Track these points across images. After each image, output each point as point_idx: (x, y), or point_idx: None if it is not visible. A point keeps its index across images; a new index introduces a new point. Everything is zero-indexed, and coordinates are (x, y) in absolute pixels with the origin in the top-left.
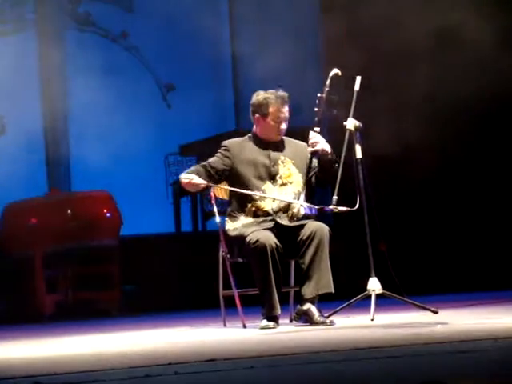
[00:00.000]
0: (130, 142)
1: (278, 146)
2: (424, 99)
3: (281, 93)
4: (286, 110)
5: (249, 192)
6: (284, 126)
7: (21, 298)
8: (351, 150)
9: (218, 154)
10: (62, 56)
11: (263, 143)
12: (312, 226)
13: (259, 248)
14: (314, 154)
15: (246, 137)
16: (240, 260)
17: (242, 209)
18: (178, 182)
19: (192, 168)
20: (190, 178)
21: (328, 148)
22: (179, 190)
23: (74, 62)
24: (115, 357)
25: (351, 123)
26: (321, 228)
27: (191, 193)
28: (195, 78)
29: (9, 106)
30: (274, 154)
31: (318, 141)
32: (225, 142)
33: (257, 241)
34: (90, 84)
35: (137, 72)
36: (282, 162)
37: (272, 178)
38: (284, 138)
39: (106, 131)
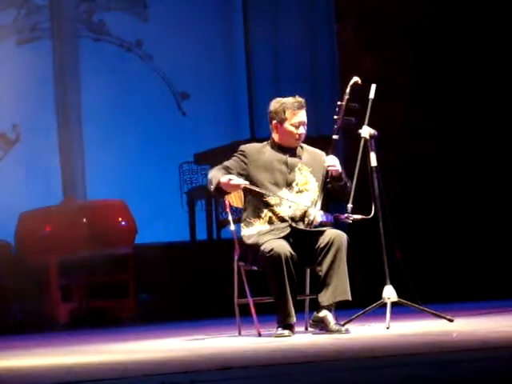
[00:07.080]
0: (145, 150)
1: (296, 153)
2: (441, 109)
3: (297, 98)
4: (302, 114)
5: (273, 194)
6: (302, 130)
7: (35, 306)
8: (366, 157)
9: (234, 158)
10: (76, 65)
11: (281, 149)
12: (330, 233)
13: (274, 257)
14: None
15: (265, 142)
16: (255, 268)
17: (257, 215)
18: (207, 186)
19: (215, 171)
20: (230, 177)
21: (340, 169)
22: (217, 192)
23: (89, 70)
24: (130, 365)
25: (366, 131)
26: (339, 236)
27: (225, 194)
28: (210, 86)
29: (24, 114)
30: (291, 161)
31: (334, 164)
32: (242, 147)
33: (271, 250)
34: (105, 92)
35: (151, 80)
36: (299, 169)
37: (288, 185)
38: (303, 145)
39: (121, 139)
